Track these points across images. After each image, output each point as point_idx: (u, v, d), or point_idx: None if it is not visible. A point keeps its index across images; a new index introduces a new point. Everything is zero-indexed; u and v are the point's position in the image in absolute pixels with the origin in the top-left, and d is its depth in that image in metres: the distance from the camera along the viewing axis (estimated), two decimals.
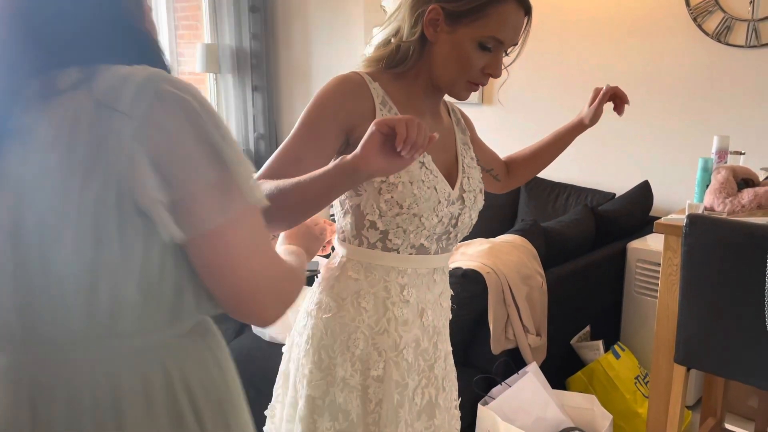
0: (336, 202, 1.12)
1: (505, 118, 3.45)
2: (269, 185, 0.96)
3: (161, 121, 0.70)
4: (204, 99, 0.74)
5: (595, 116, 1.36)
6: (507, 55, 1.09)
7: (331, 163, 0.92)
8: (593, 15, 3.05)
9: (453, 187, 1.13)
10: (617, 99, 1.36)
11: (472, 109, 3.50)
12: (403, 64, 1.09)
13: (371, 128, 0.87)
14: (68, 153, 0.69)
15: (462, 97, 1.11)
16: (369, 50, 1.12)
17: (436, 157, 1.11)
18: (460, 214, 1.14)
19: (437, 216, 1.09)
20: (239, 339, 2.41)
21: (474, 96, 3.47)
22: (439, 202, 1.08)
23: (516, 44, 1.08)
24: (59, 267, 0.71)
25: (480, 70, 1.06)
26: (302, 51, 4.48)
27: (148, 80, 0.72)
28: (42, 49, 0.75)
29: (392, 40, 1.08)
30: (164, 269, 0.75)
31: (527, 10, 1.06)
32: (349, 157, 0.90)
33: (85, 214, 0.70)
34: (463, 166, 1.17)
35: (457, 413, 1.27)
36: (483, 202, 1.21)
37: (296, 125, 1.04)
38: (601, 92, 1.35)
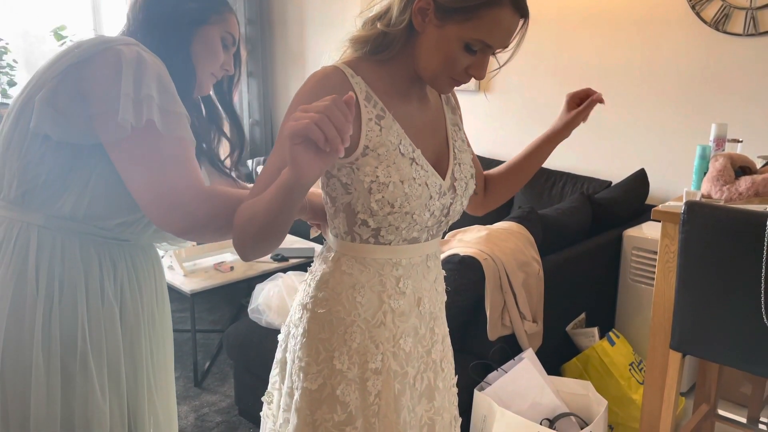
0: (327, 200, 1.10)
1: (502, 106, 3.44)
2: (241, 210, 0.96)
3: (97, 62, 1.04)
4: (147, 65, 1.04)
5: (575, 123, 1.26)
6: (494, 55, 1.04)
7: (275, 183, 0.88)
8: (591, 2, 3.03)
9: (444, 177, 1.10)
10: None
11: (469, 96, 3.49)
12: (388, 51, 1.04)
13: (288, 143, 0.80)
14: (48, 65, 1.09)
15: (444, 91, 1.08)
16: (358, 25, 1.07)
17: (425, 145, 1.09)
18: (451, 204, 1.12)
19: (429, 211, 1.07)
20: (236, 324, 2.42)
21: (471, 83, 3.45)
22: (431, 197, 1.06)
23: (506, 47, 1.03)
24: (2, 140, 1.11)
25: (463, 69, 1.01)
26: (297, 36, 4.45)
27: (110, 40, 1.07)
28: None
29: (378, 24, 1.03)
30: (43, 162, 1.07)
31: (523, 15, 1.00)
32: (284, 174, 0.85)
33: (24, 102, 1.08)
34: (454, 151, 1.15)
35: (455, 390, 1.28)
36: (474, 187, 1.19)
37: (279, 134, 0.99)
38: (590, 99, 1.25)
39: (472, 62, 1.01)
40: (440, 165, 1.12)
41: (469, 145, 1.23)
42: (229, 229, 1.09)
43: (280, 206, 0.88)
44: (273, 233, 0.94)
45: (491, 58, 1.06)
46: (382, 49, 1.04)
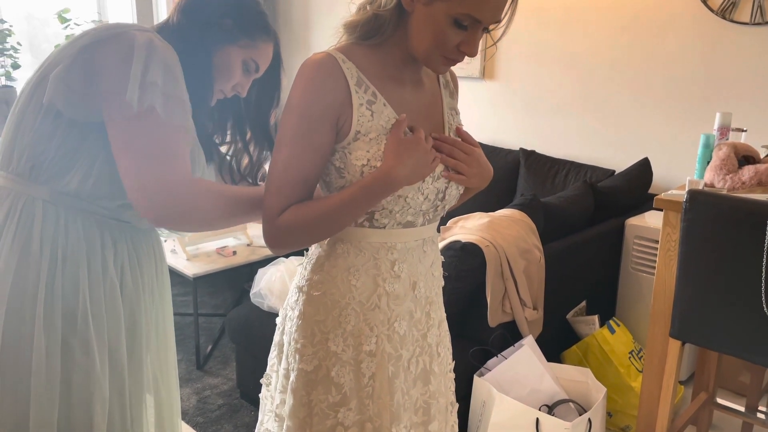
0: (323, 185, 1.12)
1: (506, 93, 3.43)
2: (294, 218, 1.03)
3: (111, 44, 1.08)
4: (156, 51, 1.07)
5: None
6: (488, 32, 1.04)
7: (360, 183, 1.02)
8: None
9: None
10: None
11: (473, 83, 3.48)
12: (380, 34, 1.05)
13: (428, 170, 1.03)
14: (65, 45, 1.13)
15: (439, 71, 1.07)
16: (351, 10, 1.08)
17: (419, 128, 1.08)
18: (447, 188, 1.12)
19: (422, 194, 1.08)
20: (238, 308, 2.43)
21: (476, 70, 3.44)
22: (423, 180, 1.07)
23: (498, 22, 1.02)
24: (14, 119, 1.14)
25: (455, 46, 1.01)
26: (302, 26, 4.43)
27: (126, 26, 1.12)
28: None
29: (369, 8, 1.04)
30: (53, 138, 1.10)
31: None
32: (381, 180, 1.00)
33: (39, 78, 1.12)
34: (450, 135, 1.15)
35: (452, 375, 1.29)
36: None
37: (287, 138, 1.01)
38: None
39: (463, 38, 1.01)
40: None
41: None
42: (208, 223, 1.16)
43: (367, 205, 1.03)
44: (336, 231, 1.07)
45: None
46: (374, 32, 1.05)
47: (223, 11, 1.20)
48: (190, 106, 1.12)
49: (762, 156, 1.92)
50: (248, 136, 1.35)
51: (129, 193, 1.08)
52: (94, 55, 1.08)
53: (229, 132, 1.37)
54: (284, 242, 1.05)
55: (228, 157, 1.36)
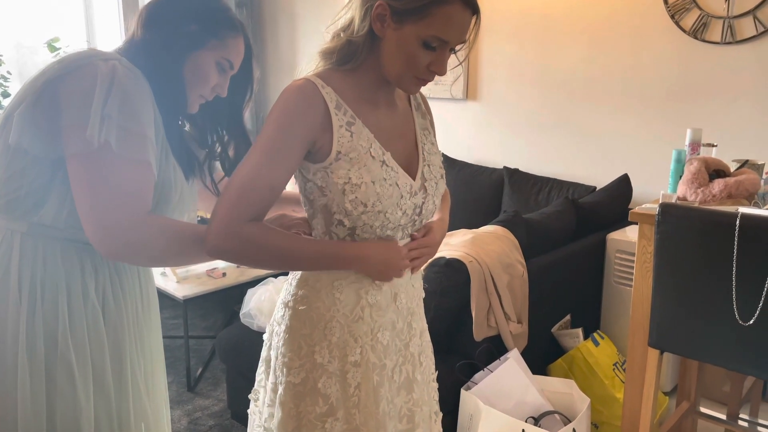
0: (305, 203, 1.16)
1: (488, 114, 3.51)
2: (260, 235, 1.05)
3: (74, 77, 1.07)
4: (118, 82, 1.06)
5: None
6: (455, 52, 1.12)
7: (336, 247, 1.11)
8: (574, 13, 3.11)
9: (414, 178, 1.16)
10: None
11: (457, 104, 3.56)
12: (354, 60, 1.11)
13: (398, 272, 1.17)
14: (30, 80, 1.12)
15: (411, 91, 1.14)
16: (326, 38, 1.14)
17: (395, 148, 1.15)
18: (423, 203, 1.18)
19: (401, 210, 1.13)
20: (228, 329, 2.46)
21: (459, 91, 3.52)
22: (402, 196, 1.12)
23: (464, 42, 1.10)
24: None
25: (425, 67, 1.08)
26: (289, 46, 4.51)
27: (90, 56, 1.11)
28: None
29: (342, 35, 1.10)
30: (24, 176, 1.10)
31: (474, 11, 1.07)
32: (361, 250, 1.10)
33: (5, 116, 1.11)
34: (423, 153, 1.21)
35: (435, 385, 1.33)
36: (444, 187, 1.25)
37: (261, 148, 1.05)
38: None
39: (433, 59, 1.08)
40: (411, 167, 1.18)
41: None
42: (160, 260, 1.17)
43: (327, 266, 1.13)
44: (284, 268, 1.12)
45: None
46: (349, 58, 1.11)
47: (185, 17, 1.17)
48: (151, 139, 1.11)
49: (732, 170, 1.99)
50: (226, 134, 1.33)
51: (84, 227, 1.08)
52: (58, 89, 1.07)
53: (209, 135, 1.34)
54: (235, 250, 1.04)
55: (210, 161, 1.35)
